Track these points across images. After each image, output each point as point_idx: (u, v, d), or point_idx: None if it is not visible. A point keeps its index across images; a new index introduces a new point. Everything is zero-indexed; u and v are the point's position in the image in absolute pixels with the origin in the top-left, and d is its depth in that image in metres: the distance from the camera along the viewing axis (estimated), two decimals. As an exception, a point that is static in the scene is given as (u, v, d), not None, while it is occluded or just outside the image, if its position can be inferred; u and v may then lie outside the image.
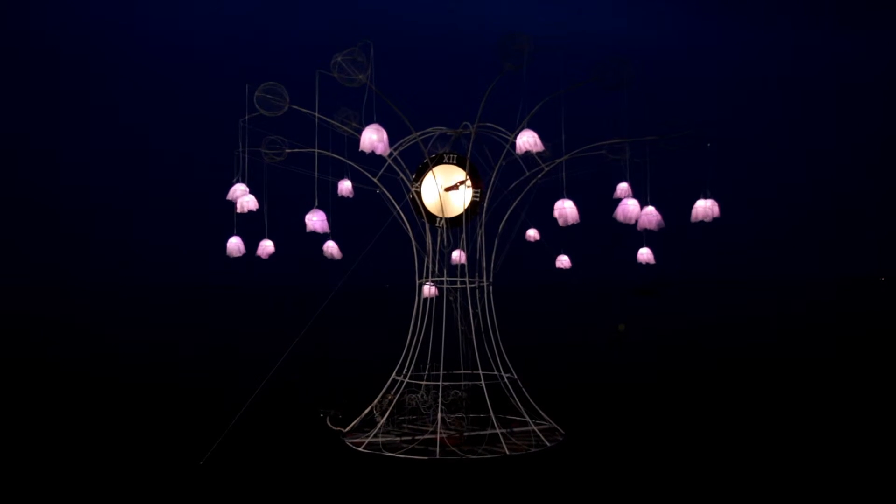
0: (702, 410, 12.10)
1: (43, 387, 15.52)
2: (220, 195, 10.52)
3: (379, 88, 9.46)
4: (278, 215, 10.94)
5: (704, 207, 9.90)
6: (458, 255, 10.93)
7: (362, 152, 9.36)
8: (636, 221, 10.22)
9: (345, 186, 11.48)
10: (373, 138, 9.19)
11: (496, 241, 10.86)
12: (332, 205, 11.38)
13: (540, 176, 10.69)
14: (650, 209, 10.20)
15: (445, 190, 10.50)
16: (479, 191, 10.59)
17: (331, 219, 10.76)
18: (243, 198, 10.35)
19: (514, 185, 10.78)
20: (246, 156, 10.26)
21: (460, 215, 10.53)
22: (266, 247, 10.78)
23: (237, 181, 10.37)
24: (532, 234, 12.20)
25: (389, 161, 10.64)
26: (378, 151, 9.32)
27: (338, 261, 11.41)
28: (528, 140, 9.57)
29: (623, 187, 10.63)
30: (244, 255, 10.60)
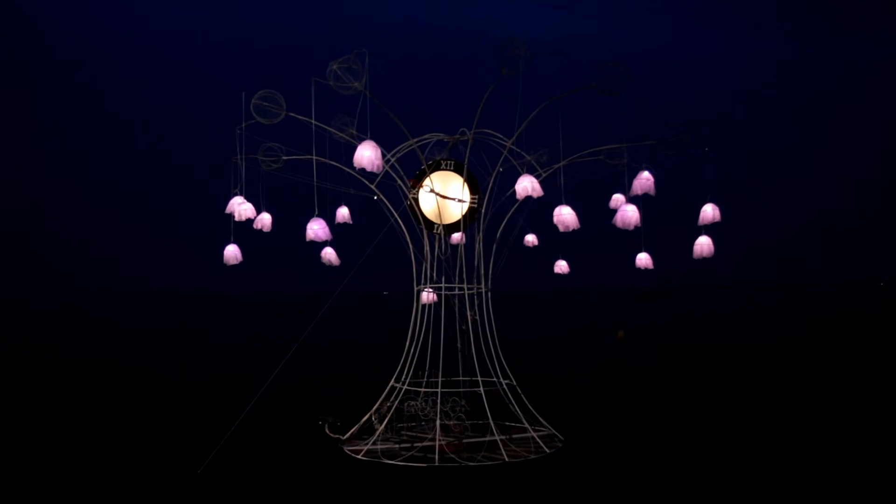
0: (701, 416, 12.06)
1: (41, 393, 15.46)
2: (218, 201, 10.52)
3: (375, 95, 9.46)
4: (276, 221, 10.92)
5: (705, 245, 10.00)
6: (459, 236, 10.84)
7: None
8: (634, 227, 10.24)
9: (342, 213, 11.49)
10: (370, 156, 9.17)
11: (494, 247, 10.84)
12: (331, 212, 11.40)
13: (539, 180, 10.68)
14: (645, 174, 10.17)
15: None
16: (476, 197, 10.58)
17: (329, 225, 10.76)
18: (241, 205, 10.33)
19: (511, 190, 10.77)
20: (243, 163, 10.25)
21: (458, 222, 10.52)
22: (264, 220, 10.72)
23: (236, 194, 10.35)
24: (530, 239, 12.20)
25: (387, 167, 10.63)
26: (370, 169, 9.31)
27: (336, 267, 11.40)
28: (527, 186, 9.67)
29: (619, 198, 10.63)
30: (241, 262, 10.57)
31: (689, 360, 21.09)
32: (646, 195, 10.24)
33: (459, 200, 10.45)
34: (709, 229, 10.06)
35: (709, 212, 9.89)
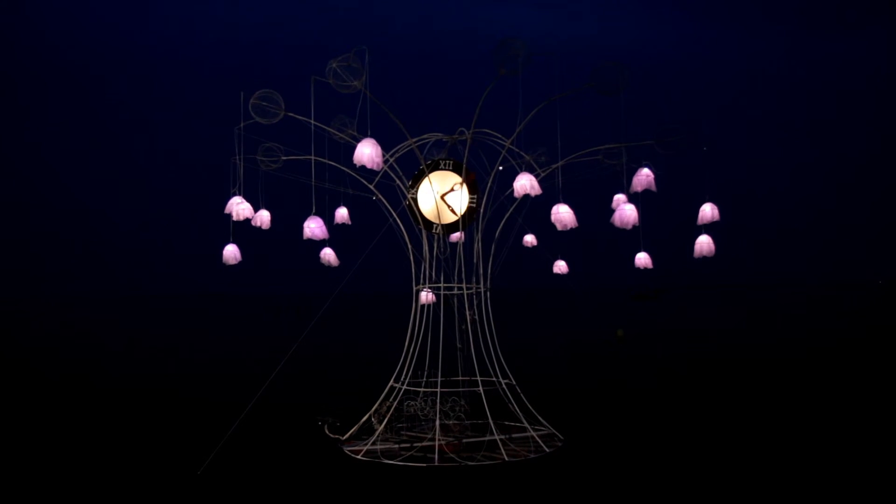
0: (701, 415, 12.06)
1: (41, 396, 15.45)
2: (217, 202, 10.52)
3: (375, 94, 9.46)
4: (275, 222, 10.93)
5: (705, 244, 10.02)
6: (458, 236, 10.83)
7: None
8: (633, 226, 10.26)
9: (340, 214, 11.50)
10: (370, 153, 9.18)
11: (493, 247, 10.84)
12: (329, 211, 11.41)
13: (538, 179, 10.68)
14: (645, 171, 10.18)
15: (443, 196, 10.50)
16: (475, 196, 10.58)
17: (328, 226, 10.78)
18: (239, 205, 10.33)
19: (510, 189, 10.78)
20: (242, 163, 10.25)
21: (457, 222, 10.52)
22: (262, 217, 10.72)
23: (235, 194, 10.34)
24: (529, 239, 12.20)
25: (385, 167, 10.63)
26: (370, 166, 9.31)
27: (335, 267, 11.41)
28: (525, 184, 9.68)
29: (620, 198, 10.64)
30: (240, 262, 10.57)
31: (688, 359, 21.10)
32: (647, 192, 10.25)
33: (454, 189, 10.42)
34: (708, 228, 10.07)
35: (707, 211, 9.91)
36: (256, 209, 10.61)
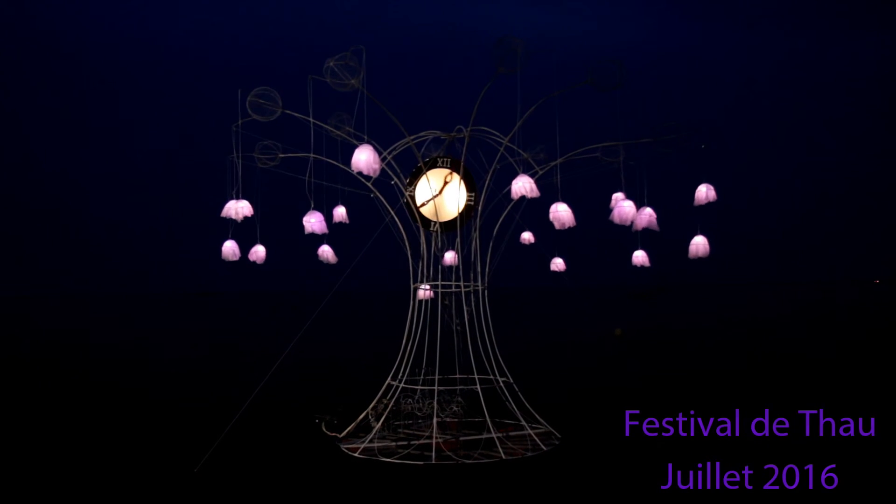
0: (699, 413, 12.04)
1: (40, 394, 15.45)
2: (216, 201, 10.51)
3: (372, 91, 9.45)
4: (273, 220, 10.93)
5: (700, 244, 9.99)
6: (451, 257, 10.89)
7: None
8: (632, 223, 10.24)
9: (339, 213, 11.50)
10: (367, 159, 9.17)
11: (491, 245, 10.84)
12: (328, 210, 11.40)
13: (535, 178, 10.68)
14: (648, 210, 10.22)
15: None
16: (473, 194, 10.58)
17: (326, 224, 10.78)
18: (237, 204, 10.32)
19: (508, 188, 10.77)
20: (240, 161, 10.24)
21: (454, 219, 10.51)
22: (258, 251, 10.76)
23: (232, 197, 10.32)
24: (527, 237, 12.19)
25: (383, 165, 10.63)
26: (367, 173, 9.31)
27: (333, 265, 11.41)
28: (523, 185, 9.67)
29: (618, 197, 10.63)
30: (239, 258, 10.58)
31: (686, 357, 21.11)
32: (645, 192, 10.26)
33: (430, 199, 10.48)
34: (705, 225, 10.06)
35: (703, 192, 9.90)
36: (255, 208, 10.59)
